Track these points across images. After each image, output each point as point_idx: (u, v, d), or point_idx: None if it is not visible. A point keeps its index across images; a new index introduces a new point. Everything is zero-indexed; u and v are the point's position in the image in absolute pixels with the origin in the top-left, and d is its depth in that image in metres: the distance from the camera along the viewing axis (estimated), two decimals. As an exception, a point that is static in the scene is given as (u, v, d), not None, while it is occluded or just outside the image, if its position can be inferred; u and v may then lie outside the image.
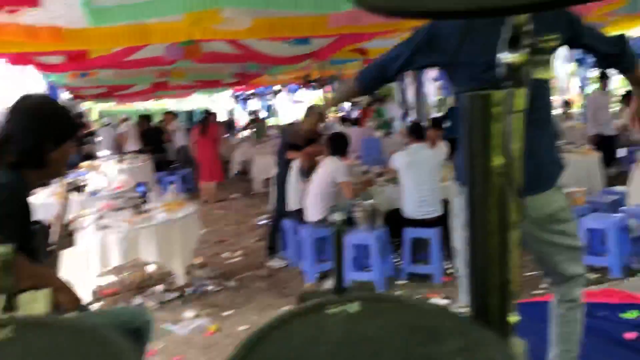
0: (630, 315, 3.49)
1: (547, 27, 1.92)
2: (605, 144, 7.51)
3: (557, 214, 2.20)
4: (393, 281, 4.83)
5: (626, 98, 8.52)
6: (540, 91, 2.05)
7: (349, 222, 4.78)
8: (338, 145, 5.02)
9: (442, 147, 6.09)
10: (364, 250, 4.84)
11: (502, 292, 0.67)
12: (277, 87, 20.24)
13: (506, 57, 0.68)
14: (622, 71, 2.23)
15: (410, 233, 4.84)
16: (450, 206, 5.11)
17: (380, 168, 6.06)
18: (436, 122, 5.94)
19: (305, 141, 5.17)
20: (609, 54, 2.15)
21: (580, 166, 6.00)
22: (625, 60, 2.17)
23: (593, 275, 4.38)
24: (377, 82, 2.41)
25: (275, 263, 5.58)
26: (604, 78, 8.20)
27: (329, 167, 4.94)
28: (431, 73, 13.59)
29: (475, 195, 0.67)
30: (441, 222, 4.84)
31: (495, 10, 0.55)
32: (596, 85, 9.23)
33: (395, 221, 4.98)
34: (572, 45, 2.09)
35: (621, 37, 2.16)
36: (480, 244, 0.68)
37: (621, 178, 6.67)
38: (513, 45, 0.67)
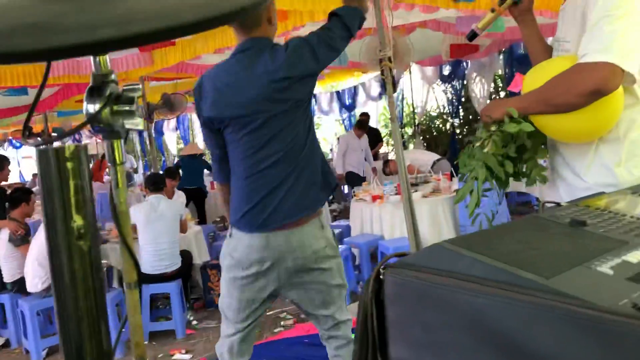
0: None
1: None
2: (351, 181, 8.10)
3: (321, 250, 2.20)
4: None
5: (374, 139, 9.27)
6: (282, 132, 2.12)
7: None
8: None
9: (180, 198, 6.01)
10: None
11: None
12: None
13: (89, 107, 0.63)
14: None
15: (149, 290, 4.60)
16: (190, 257, 5.06)
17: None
18: (171, 173, 5.85)
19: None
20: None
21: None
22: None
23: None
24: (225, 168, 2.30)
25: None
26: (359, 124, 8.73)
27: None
28: (172, 122, 13.52)
29: (57, 261, 0.59)
30: (181, 274, 4.72)
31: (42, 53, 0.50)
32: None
33: (132, 279, 4.70)
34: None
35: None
36: (71, 313, 0.60)
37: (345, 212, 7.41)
38: (95, 94, 0.63)
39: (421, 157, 7.13)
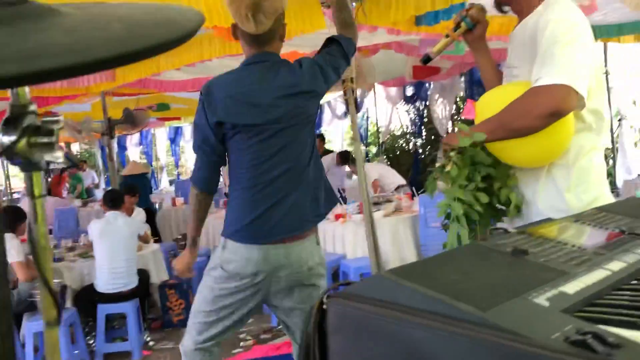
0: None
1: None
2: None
3: (316, 267, 2.22)
4: (86, 366, 4.38)
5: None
6: (291, 144, 2.16)
7: (30, 308, 4.23)
8: (10, 220, 4.43)
9: (140, 215, 5.90)
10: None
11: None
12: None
13: (4, 138, 0.60)
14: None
15: (104, 310, 4.48)
16: (147, 275, 4.96)
17: (72, 242, 5.55)
18: (130, 189, 5.74)
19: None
20: None
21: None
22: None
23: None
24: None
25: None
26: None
27: None
28: (135, 137, 13.34)
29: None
30: (138, 293, 4.62)
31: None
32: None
33: (88, 299, 4.57)
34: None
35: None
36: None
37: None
38: (11, 125, 0.60)
39: (387, 174, 7.19)
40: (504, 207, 1.69)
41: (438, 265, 0.83)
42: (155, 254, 5.27)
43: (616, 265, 0.87)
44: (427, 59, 1.94)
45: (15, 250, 4.26)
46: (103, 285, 4.51)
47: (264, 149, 2.15)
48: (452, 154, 1.62)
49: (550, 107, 1.48)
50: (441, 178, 1.64)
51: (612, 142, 8.51)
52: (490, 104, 1.64)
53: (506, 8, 1.80)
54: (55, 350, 0.67)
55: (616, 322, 0.68)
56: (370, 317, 0.72)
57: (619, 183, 7.34)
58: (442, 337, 0.65)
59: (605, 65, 7.68)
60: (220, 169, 2.30)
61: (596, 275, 0.83)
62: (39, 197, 0.64)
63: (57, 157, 0.60)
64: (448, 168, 1.60)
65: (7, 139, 0.59)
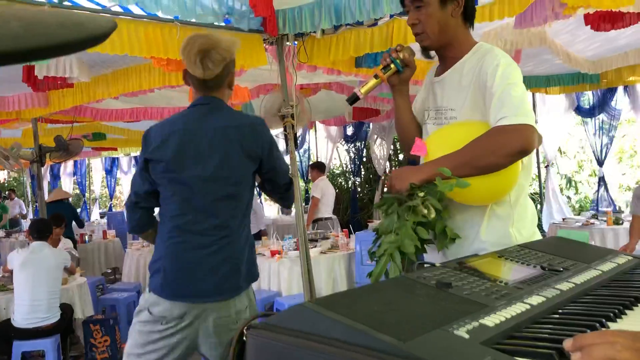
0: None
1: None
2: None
3: (244, 311, 2.15)
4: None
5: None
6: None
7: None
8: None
9: (66, 245, 5.65)
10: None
11: None
12: None
13: None
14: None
15: (20, 346, 4.20)
16: (71, 310, 4.71)
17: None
18: (57, 219, 5.49)
19: None
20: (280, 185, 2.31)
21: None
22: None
23: None
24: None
25: None
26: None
27: None
28: (69, 166, 12.89)
29: None
30: (59, 329, 4.36)
31: None
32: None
33: (3, 334, 4.28)
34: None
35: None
36: None
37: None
38: None
39: (328, 201, 7.25)
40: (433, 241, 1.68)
41: (362, 296, 0.82)
42: (82, 287, 5.03)
43: (535, 300, 0.89)
44: (354, 99, 1.90)
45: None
46: (21, 319, 4.24)
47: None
48: (421, 193, 1.58)
49: (518, 146, 1.54)
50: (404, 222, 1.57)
51: (540, 187, 8.90)
52: (446, 143, 1.66)
53: (432, 53, 1.86)
54: None
55: (533, 354, 0.69)
56: (290, 348, 0.69)
57: (545, 227, 7.64)
58: (360, 368, 0.63)
59: (535, 114, 8.09)
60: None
61: (516, 309, 0.84)
62: None
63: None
64: (425, 212, 1.54)
65: None
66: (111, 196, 14.69)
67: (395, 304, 0.80)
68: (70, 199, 8.52)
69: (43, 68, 4.21)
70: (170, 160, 2.09)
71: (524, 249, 1.23)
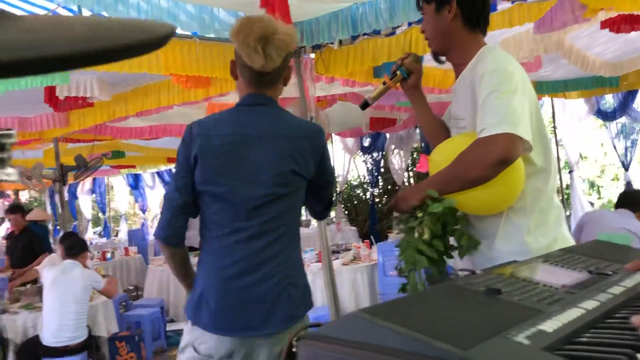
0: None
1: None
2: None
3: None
4: None
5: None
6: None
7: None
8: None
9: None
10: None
11: None
12: None
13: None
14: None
15: (48, 365, 4.22)
16: (96, 329, 4.72)
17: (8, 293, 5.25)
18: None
19: None
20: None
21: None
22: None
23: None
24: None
25: None
26: None
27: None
28: (87, 185, 12.99)
29: None
30: (86, 347, 4.37)
31: None
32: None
33: (31, 352, 4.30)
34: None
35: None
36: None
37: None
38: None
39: None
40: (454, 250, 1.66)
41: (412, 304, 0.80)
42: (106, 304, 5.04)
43: (590, 304, 0.86)
44: (365, 105, 1.97)
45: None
46: (49, 338, 4.25)
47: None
48: (419, 214, 1.56)
49: (497, 157, 1.50)
50: (410, 239, 1.57)
51: (562, 193, 8.78)
52: (446, 157, 1.65)
53: (443, 58, 1.85)
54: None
55: (598, 359, 0.66)
56: (345, 359, 0.67)
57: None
58: (422, 378, 0.61)
59: (554, 120, 8.01)
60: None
61: (571, 314, 0.81)
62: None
63: (10, 174, 0.55)
64: (426, 236, 1.53)
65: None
66: (144, 210, 14.13)
67: (448, 312, 0.78)
68: (48, 222, 8.44)
69: (64, 88, 4.27)
70: (213, 170, 1.81)
71: (567, 253, 1.20)
